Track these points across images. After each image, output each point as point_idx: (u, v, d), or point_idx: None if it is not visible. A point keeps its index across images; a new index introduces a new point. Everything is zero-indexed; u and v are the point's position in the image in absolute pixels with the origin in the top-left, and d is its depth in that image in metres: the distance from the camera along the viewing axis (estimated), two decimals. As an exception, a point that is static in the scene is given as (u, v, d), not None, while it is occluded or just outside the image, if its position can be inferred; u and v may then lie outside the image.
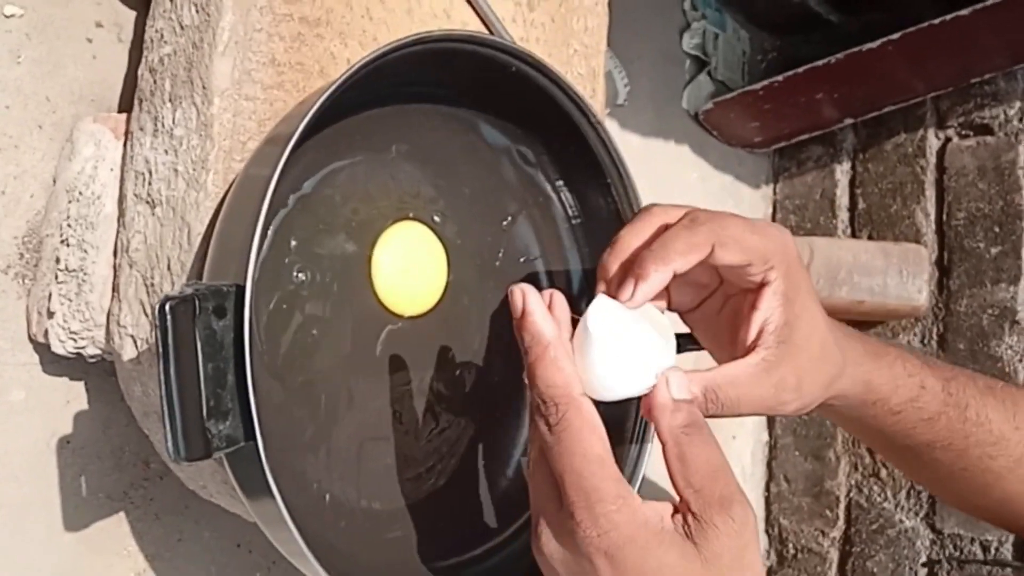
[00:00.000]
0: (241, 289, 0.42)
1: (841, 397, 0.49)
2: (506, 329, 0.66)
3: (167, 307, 0.37)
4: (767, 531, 1.31)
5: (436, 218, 0.63)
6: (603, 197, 0.64)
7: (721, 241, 0.43)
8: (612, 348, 0.41)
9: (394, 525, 0.58)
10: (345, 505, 0.56)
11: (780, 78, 1.11)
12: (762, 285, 0.44)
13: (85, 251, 0.60)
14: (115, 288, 0.58)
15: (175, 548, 0.71)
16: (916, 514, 1.16)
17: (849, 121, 1.20)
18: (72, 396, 0.66)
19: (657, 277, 0.43)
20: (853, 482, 1.23)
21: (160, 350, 0.37)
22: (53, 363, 0.65)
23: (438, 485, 0.62)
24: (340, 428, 0.57)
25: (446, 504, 0.61)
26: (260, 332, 0.51)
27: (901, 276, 1.13)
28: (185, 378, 0.38)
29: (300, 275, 0.54)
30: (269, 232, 0.52)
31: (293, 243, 0.53)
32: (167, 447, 0.37)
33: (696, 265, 0.43)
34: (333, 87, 0.46)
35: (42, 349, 0.64)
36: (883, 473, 1.20)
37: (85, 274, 0.60)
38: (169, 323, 0.37)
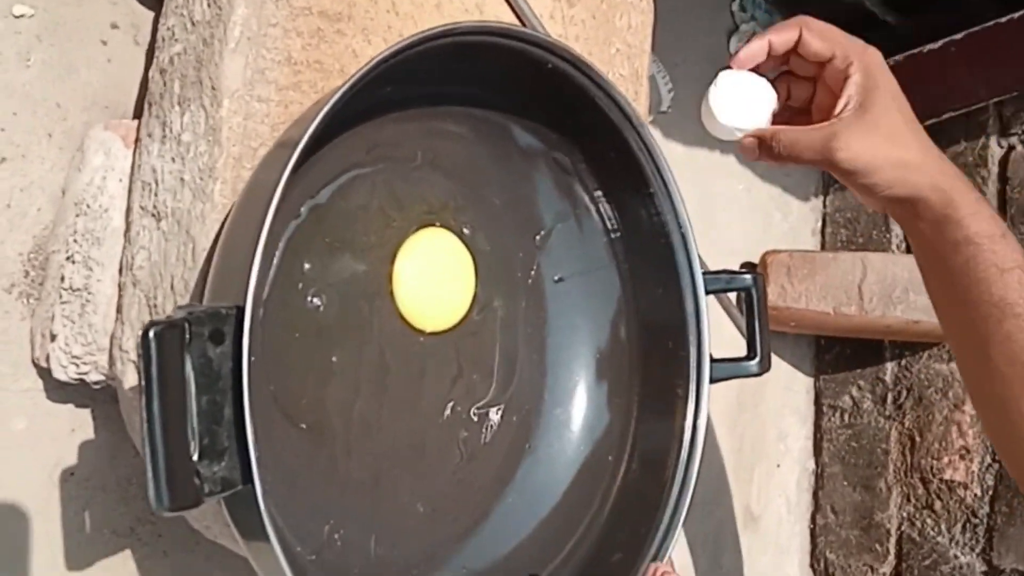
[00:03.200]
0: (241, 312, 0.37)
1: (922, 202, 0.51)
2: (538, 354, 0.62)
3: (151, 334, 0.32)
4: (812, 565, 1.24)
5: (465, 230, 0.58)
6: (645, 208, 0.58)
7: (808, 27, 0.53)
8: (729, 92, 0.54)
9: (411, 570, 0.53)
10: (360, 548, 0.51)
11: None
12: (845, 79, 0.52)
13: (90, 268, 0.56)
14: (119, 309, 0.54)
15: (186, 586, 0.67)
16: (972, 549, 1.10)
17: (904, 130, 1.13)
18: (77, 424, 0.62)
19: (755, 43, 0.54)
20: (905, 514, 1.17)
21: (143, 383, 0.32)
22: (57, 389, 0.61)
23: (463, 524, 0.57)
24: (355, 463, 0.52)
25: (471, 547, 0.56)
26: (266, 361, 0.46)
27: (960, 294, 1.06)
28: (171, 416, 0.33)
29: (314, 300, 0.49)
30: (279, 249, 0.47)
31: (307, 266, 0.49)
32: (149, 495, 0.33)
33: (794, 53, 0.54)
34: (350, 83, 0.41)
35: (46, 374, 0.59)
36: (937, 505, 1.14)
37: (89, 293, 0.56)
38: (153, 352, 0.33)
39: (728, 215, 1.14)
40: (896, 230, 1.20)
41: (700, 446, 0.59)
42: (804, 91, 0.56)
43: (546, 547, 0.59)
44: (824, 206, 1.27)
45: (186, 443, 0.34)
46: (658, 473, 0.59)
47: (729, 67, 0.56)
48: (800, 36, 0.53)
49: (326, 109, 0.41)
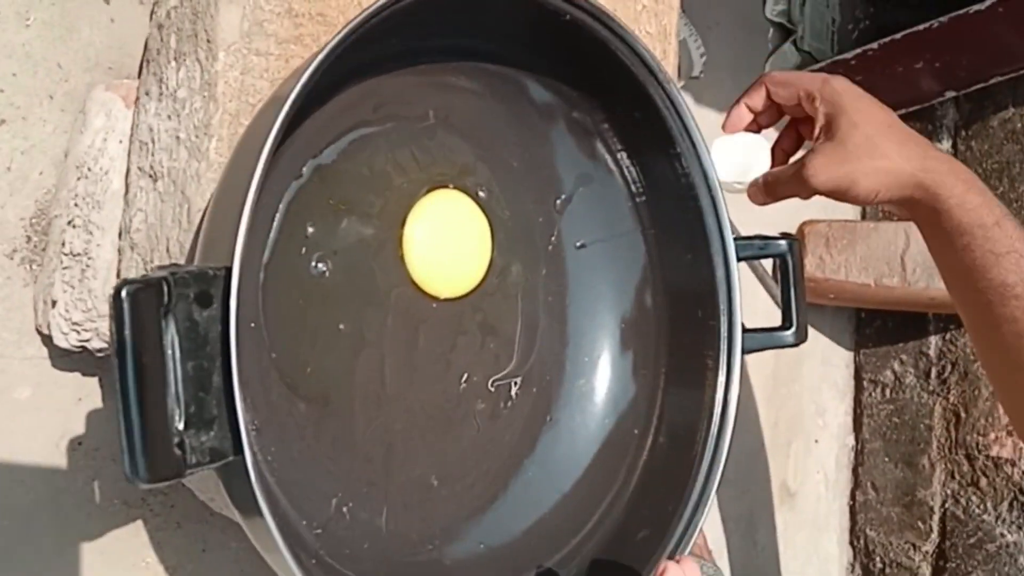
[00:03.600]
0: (230, 272, 0.35)
1: (910, 200, 0.54)
2: (559, 323, 0.59)
3: (123, 293, 0.30)
4: (852, 543, 1.21)
5: (481, 193, 0.55)
6: (672, 170, 0.55)
7: (771, 80, 0.57)
8: (725, 154, 0.57)
9: (426, 545, 0.51)
10: (370, 522, 0.49)
11: (875, 46, 1.01)
12: (815, 113, 0.56)
13: (91, 233, 0.54)
14: (119, 275, 0.52)
15: (199, 559, 0.65)
16: (1019, 527, 1.07)
17: (951, 94, 1.09)
18: (84, 393, 0.61)
19: (735, 110, 0.58)
20: (949, 491, 1.14)
21: (115, 346, 0.30)
22: (63, 357, 0.59)
23: (480, 498, 0.54)
24: (365, 435, 0.49)
25: (489, 521, 0.53)
26: (268, 329, 0.44)
27: (1009, 265, 1.01)
28: (147, 382, 0.31)
29: (319, 265, 0.47)
30: (279, 211, 0.44)
31: (310, 230, 0.46)
32: (124, 467, 0.30)
33: (769, 104, 0.59)
34: (347, 30, 0.38)
35: (50, 342, 0.58)
36: (983, 482, 1.10)
37: (89, 258, 0.54)
38: (127, 313, 0.30)
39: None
40: (942, 198, 1.15)
41: (731, 420, 0.55)
42: (810, 131, 0.59)
43: (567, 522, 0.56)
44: (866, 173, 1.22)
45: (166, 411, 0.32)
46: (686, 448, 0.55)
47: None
48: (767, 90, 0.58)
49: (320, 58, 0.38)
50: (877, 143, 0.53)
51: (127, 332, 0.30)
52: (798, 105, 0.57)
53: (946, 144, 1.15)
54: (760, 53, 1.10)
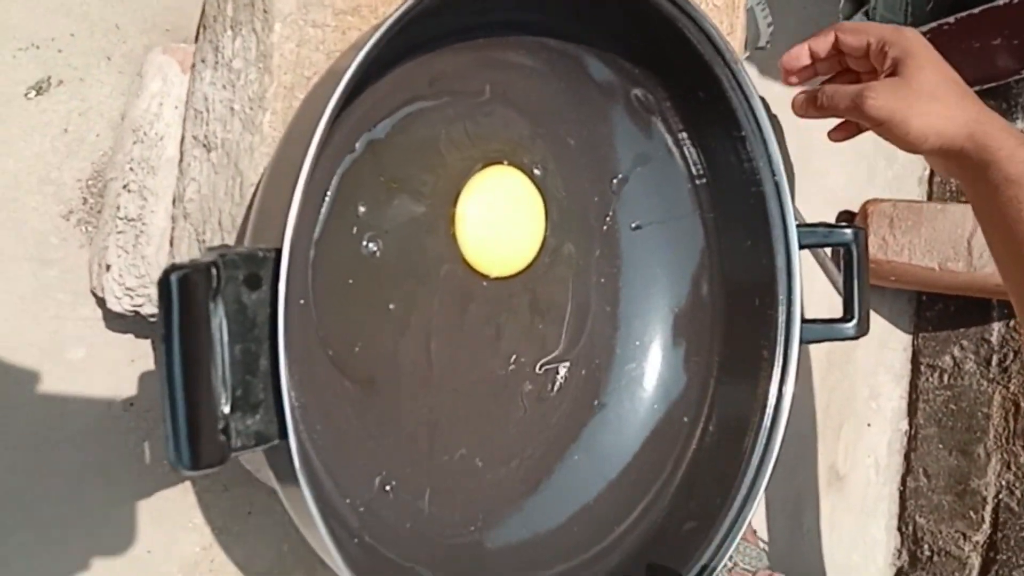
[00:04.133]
0: (279, 254, 0.34)
1: (960, 152, 0.56)
2: (611, 306, 0.58)
3: (172, 279, 0.30)
4: (900, 529, 1.19)
5: (536, 171, 0.54)
6: (735, 153, 0.53)
7: (841, 28, 0.61)
8: None
9: (468, 527, 0.50)
10: (413, 502, 0.49)
11: (951, 20, 0.97)
12: (884, 57, 0.59)
13: (145, 198, 0.54)
14: (172, 242, 0.52)
15: (245, 522, 0.66)
16: (1075, 522, 1.04)
17: (1029, 73, 1.04)
18: (137, 355, 0.61)
19: (796, 48, 0.63)
20: (1004, 482, 1.11)
21: (163, 332, 0.30)
22: (116, 319, 0.59)
23: (525, 482, 0.54)
24: (411, 415, 0.49)
25: (532, 506, 0.53)
26: (317, 308, 0.43)
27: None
28: (195, 368, 0.31)
29: (370, 245, 0.46)
30: (331, 187, 0.44)
31: (362, 209, 0.45)
32: (168, 453, 0.30)
33: (840, 54, 0.63)
34: (400, 12, 0.37)
35: (104, 303, 0.58)
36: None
37: (143, 224, 0.54)
38: (175, 299, 0.30)
39: (827, 161, 1.07)
40: (1013, 181, 1.11)
41: (785, 414, 0.54)
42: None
43: (612, 511, 0.55)
44: (935, 152, 1.18)
45: (212, 398, 0.32)
46: (737, 440, 0.54)
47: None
48: (836, 37, 0.61)
49: (381, 32, 0.37)
50: (938, 90, 0.56)
51: (174, 319, 0.30)
52: (864, 57, 0.60)
53: (1021, 124, 1.11)
54: (830, 23, 1.06)
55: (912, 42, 0.57)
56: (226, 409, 0.33)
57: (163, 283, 0.29)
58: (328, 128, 0.36)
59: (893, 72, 0.57)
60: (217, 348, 0.32)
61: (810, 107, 0.62)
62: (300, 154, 0.35)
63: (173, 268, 0.30)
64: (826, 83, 0.64)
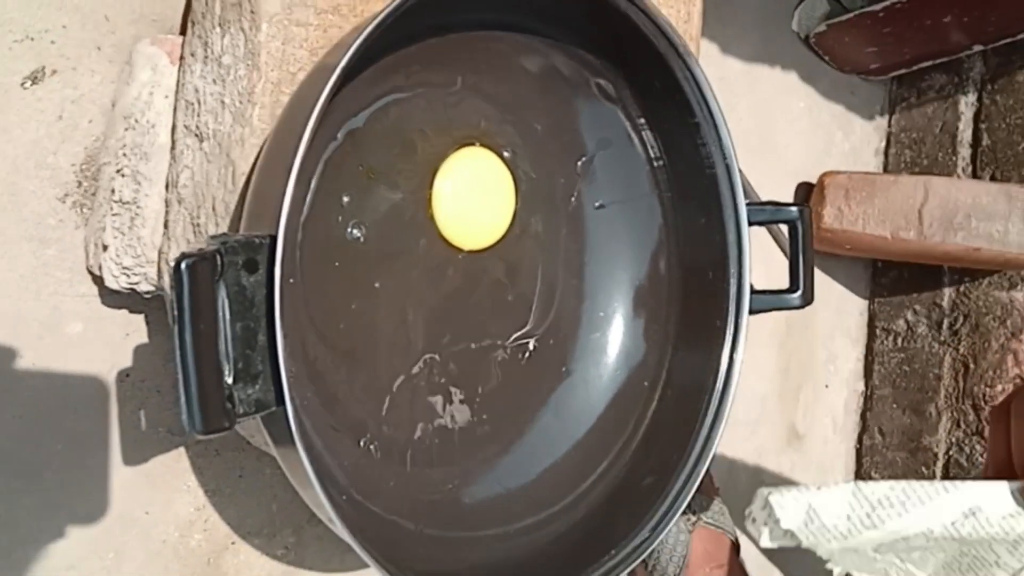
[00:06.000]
0: (274, 240, 0.38)
1: None
2: (577, 279, 0.62)
3: (183, 266, 0.34)
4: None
5: (505, 153, 0.58)
6: (689, 138, 0.57)
7: None
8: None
9: (446, 484, 0.55)
10: (395, 462, 0.53)
11: (904, -1, 1.01)
12: None
13: (139, 183, 0.58)
14: (166, 224, 0.55)
15: (236, 484, 0.70)
16: (1021, 476, 1.09)
17: (978, 48, 1.09)
18: (131, 329, 0.65)
19: None
20: (954, 439, 1.17)
21: (176, 313, 0.34)
22: (111, 295, 0.63)
23: (499, 443, 0.58)
24: (393, 381, 0.53)
25: (506, 465, 0.58)
26: (305, 288, 0.47)
27: (1026, 222, 1.03)
28: (203, 345, 0.35)
29: (354, 231, 0.50)
30: (316, 173, 0.48)
31: (345, 199, 0.49)
32: (183, 420, 0.34)
33: None
34: (383, 14, 0.41)
35: (100, 281, 0.62)
36: (987, 431, 1.13)
37: (138, 207, 0.57)
38: (186, 284, 0.34)
39: (787, 134, 1.11)
40: (963, 152, 1.16)
41: (736, 377, 0.59)
42: None
43: (579, 468, 0.60)
44: (889, 125, 1.22)
45: (218, 370, 0.36)
46: (693, 402, 0.59)
47: None
48: None
49: (365, 34, 0.41)
50: None
51: (186, 301, 0.34)
52: None
53: (972, 97, 1.16)
54: (788, 3, 1.10)
55: None
56: (229, 380, 0.37)
57: (175, 270, 0.33)
58: (319, 120, 0.40)
59: None
60: (221, 326, 0.37)
61: None
62: (293, 146, 0.39)
63: (184, 256, 0.34)
64: None
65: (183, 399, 0.34)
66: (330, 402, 0.51)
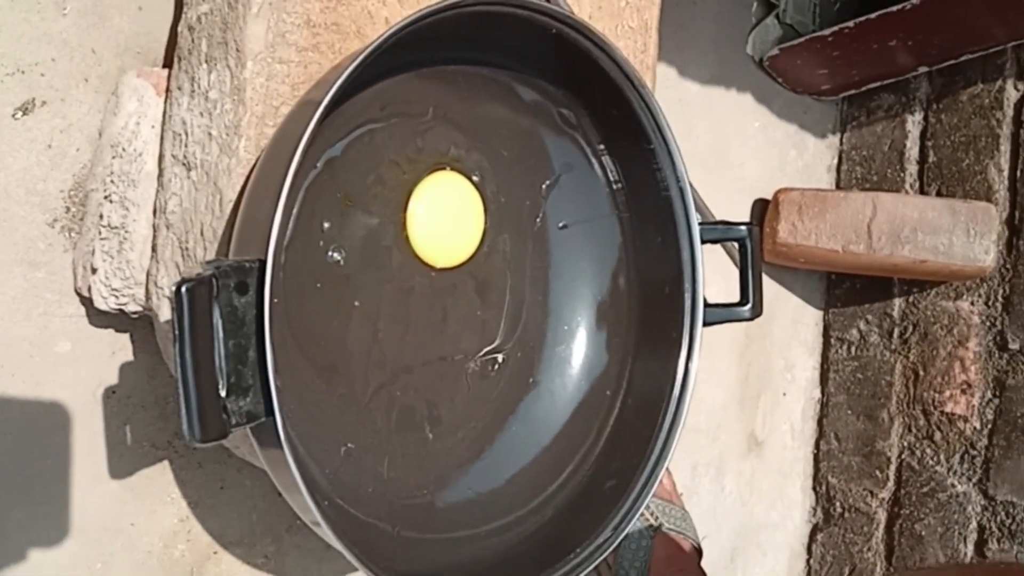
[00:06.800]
0: (263, 264, 0.42)
1: None
2: (542, 296, 0.66)
3: (183, 290, 0.37)
4: (814, 488, 1.30)
5: (474, 177, 0.62)
6: (645, 163, 0.61)
7: None
8: None
9: (421, 490, 0.58)
10: (373, 469, 0.57)
11: (852, 24, 1.06)
12: None
13: (127, 208, 0.61)
14: (154, 248, 0.59)
15: (217, 495, 0.73)
16: (969, 479, 1.15)
17: (924, 69, 1.15)
18: (118, 347, 0.68)
19: None
20: (906, 443, 1.22)
21: (176, 333, 0.37)
22: (98, 315, 0.66)
23: (470, 450, 0.62)
24: (370, 393, 0.57)
25: (477, 471, 0.61)
26: (287, 307, 0.51)
27: (968, 235, 1.09)
28: (201, 361, 0.38)
29: (334, 254, 0.54)
30: (298, 200, 0.51)
31: (326, 225, 0.53)
32: (184, 430, 0.38)
33: None
34: (364, 54, 0.45)
35: (87, 302, 0.65)
36: (937, 436, 1.18)
37: (126, 232, 0.60)
38: (185, 307, 0.37)
39: (743, 152, 1.16)
40: (911, 169, 1.22)
41: (691, 385, 0.63)
42: None
43: (545, 472, 0.64)
44: (841, 143, 1.28)
45: (215, 383, 0.39)
46: (652, 409, 0.63)
47: None
48: None
49: (347, 73, 0.45)
50: None
51: (186, 322, 0.37)
52: None
53: (918, 116, 1.21)
54: (743, 26, 1.15)
55: None
56: (223, 393, 0.41)
57: (176, 294, 0.37)
58: (305, 151, 0.43)
59: None
60: (216, 344, 0.40)
61: None
62: (279, 176, 0.43)
63: (184, 281, 0.37)
64: None
65: (183, 410, 0.38)
66: (312, 413, 0.54)
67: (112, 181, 0.62)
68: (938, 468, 1.18)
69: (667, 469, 0.65)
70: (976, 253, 1.09)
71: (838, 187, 1.28)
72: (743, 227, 0.65)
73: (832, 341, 1.29)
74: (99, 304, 0.61)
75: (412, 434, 0.60)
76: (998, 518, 1.11)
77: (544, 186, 0.64)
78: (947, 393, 1.18)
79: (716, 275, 1.05)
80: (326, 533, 0.45)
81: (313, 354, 0.54)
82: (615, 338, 0.66)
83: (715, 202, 1.07)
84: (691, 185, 0.63)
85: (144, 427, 0.69)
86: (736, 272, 1.10)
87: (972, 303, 1.15)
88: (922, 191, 1.20)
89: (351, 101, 0.53)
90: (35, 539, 0.64)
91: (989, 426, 1.14)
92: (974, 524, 1.13)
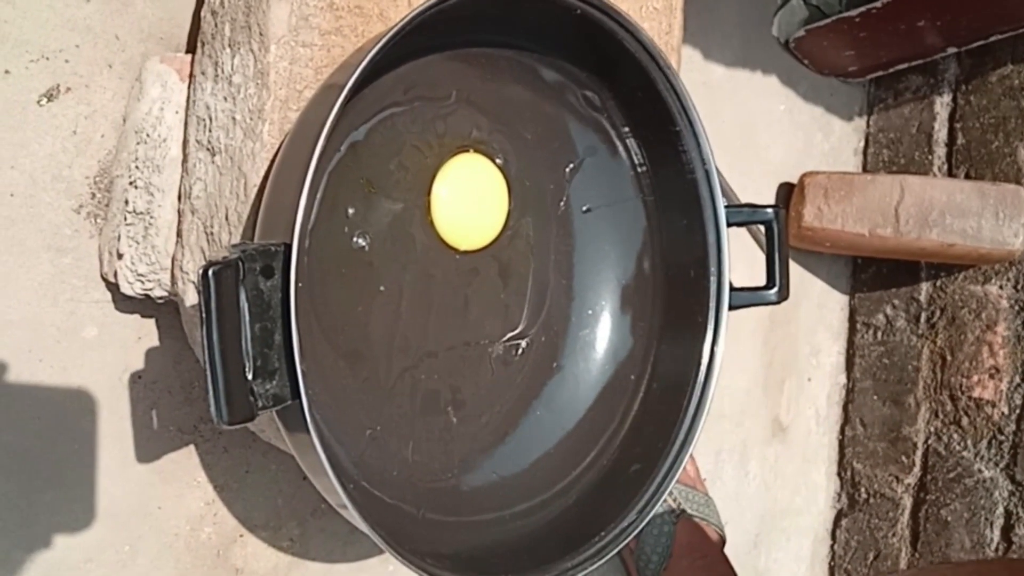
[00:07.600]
0: (288, 248, 0.42)
1: None
2: (567, 280, 0.66)
3: (210, 274, 0.37)
4: (839, 474, 1.29)
5: (498, 160, 0.61)
6: (671, 146, 0.61)
7: None
8: None
9: (446, 473, 0.58)
10: (398, 453, 0.57)
11: (879, 4, 1.05)
12: None
13: (152, 194, 0.61)
14: (179, 233, 0.59)
15: (243, 479, 0.73)
16: (996, 464, 1.13)
17: (952, 50, 1.13)
18: (144, 332, 0.68)
19: None
20: (932, 429, 1.21)
21: (203, 316, 0.37)
22: (124, 301, 0.66)
23: (494, 434, 0.62)
24: (395, 377, 0.57)
25: (501, 454, 0.61)
26: (312, 292, 0.51)
27: (997, 219, 1.07)
28: (228, 344, 0.38)
29: (359, 240, 0.54)
30: (322, 183, 0.51)
31: (350, 211, 0.53)
32: (211, 412, 0.38)
33: None
34: (387, 37, 0.45)
35: (113, 288, 0.65)
36: (964, 421, 1.17)
37: (152, 217, 0.60)
38: (212, 290, 0.37)
39: (769, 135, 1.15)
40: (939, 151, 1.20)
41: (717, 370, 0.62)
42: None
43: (570, 456, 0.64)
44: (867, 126, 1.26)
45: (241, 366, 0.39)
46: (677, 393, 0.63)
47: None
48: None
49: (371, 55, 0.45)
50: None
51: (213, 305, 0.37)
52: None
53: (947, 98, 1.19)
54: (768, 8, 1.14)
55: None
56: (250, 376, 0.41)
57: (203, 277, 0.37)
58: (329, 134, 0.43)
59: None
60: (242, 327, 0.40)
61: None
62: (304, 160, 0.43)
63: (210, 264, 0.37)
64: None
65: (211, 393, 0.38)
66: (337, 397, 0.54)
67: (137, 167, 0.62)
68: (965, 454, 1.17)
69: (691, 455, 0.65)
70: (1005, 236, 1.07)
71: (865, 170, 1.27)
72: (770, 209, 0.64)
73: (858, 326, 1.28)
74: (125, 289, 0.62)
75: (436, 418, 0.59)
76: (1027, 503, 1.10)
77: (568, 169, 0.64)
78: (975, 378, 1.17)
79: (740, 260, 1.04)
80: (353, 515, 0.45)
81: (337, 339, 0.54)
82: (640, 322, 0.66)
83: (740, 186, 1.06)
84: (716, 168, 0.62)
85: (170, 412, 0.69)
86: (760, 256, 1.11)
87: (1001, 287, 1.13)
88: (950, 174, 1.18)
89: (374, 85, 0.53)
90: (64, 522, 0.65)
91: (1017, 411, 1.12)
92: (1000, 510, 1.12)
